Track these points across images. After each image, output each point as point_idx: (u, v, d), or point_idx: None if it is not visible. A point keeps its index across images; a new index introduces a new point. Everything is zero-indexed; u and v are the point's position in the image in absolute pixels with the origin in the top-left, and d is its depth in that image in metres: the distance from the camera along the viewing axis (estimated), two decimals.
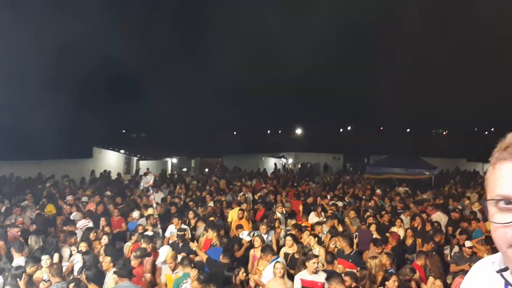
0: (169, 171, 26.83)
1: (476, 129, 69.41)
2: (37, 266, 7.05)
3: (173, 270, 7.67)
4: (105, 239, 8.70)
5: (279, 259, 7.80)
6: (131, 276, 6.49)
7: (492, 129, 66.39)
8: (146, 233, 9.30)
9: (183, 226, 10.20)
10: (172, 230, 9.87)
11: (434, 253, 8.47)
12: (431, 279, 6.70)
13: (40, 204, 12.44)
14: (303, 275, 7.31)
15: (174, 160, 28.11)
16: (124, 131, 49.05)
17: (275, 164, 34.80)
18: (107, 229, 9.88)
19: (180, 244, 8.96)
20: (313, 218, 11.95)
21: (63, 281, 6.55)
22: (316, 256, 7.33)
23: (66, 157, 23.96)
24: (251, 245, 9.40)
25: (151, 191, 11.54)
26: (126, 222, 11.71)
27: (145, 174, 23.80)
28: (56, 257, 7.39)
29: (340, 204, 14.26)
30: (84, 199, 13.66)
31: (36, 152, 23.14)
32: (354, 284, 6.41)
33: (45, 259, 7.29)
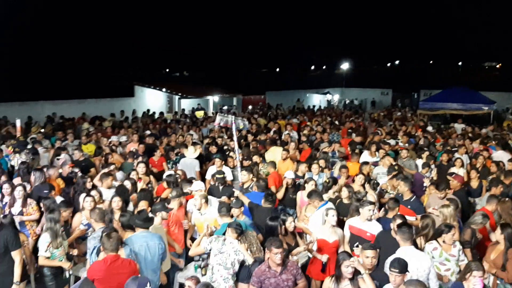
0: (211, 109, 26.26)
1: None
2: (70, 211, 6.64)
3: (199, 209, 7.16)
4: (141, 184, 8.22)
5: (328, 205, 7.08)
6: (149, 225, 5.94)
7: None
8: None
9: (224, 167, 9.59)
10: (212, 172, 9.22)
11: (507, 198, 7.45)
12: (499, 229, 5.83)
13: (77, 145, 12.09)
14: (353, 221, 6.63)
15: (216, 98, 27.42)
16: (167, 70, 48.76)
17: (298, 100, 33.48)
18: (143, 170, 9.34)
19: (220, 187, 8.36)
20: (366, 157, 11.02)
21: (106, 227, 6.09)
22: (372, 203, 6.54)
23: (108, 96, 23.82)
24: (297, 187, 8.72)
25: (234, 131, 10.54)
26: (167, 161, 11.29)
27: (196, 110, 23.41)
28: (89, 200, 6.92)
29: (392, 142, 13.24)
30: (123, 138, 13.26)
31: (79, 91, 23.14)
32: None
33: (89, 201, 6.90)
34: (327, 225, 6.31)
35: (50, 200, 6.86)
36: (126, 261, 5.19)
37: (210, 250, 5.70)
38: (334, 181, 8.50)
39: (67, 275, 6.05)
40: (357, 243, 6.15)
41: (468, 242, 6.17)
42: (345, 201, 7.70)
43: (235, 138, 10.13)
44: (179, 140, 13.40)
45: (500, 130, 17.01)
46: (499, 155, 11.51)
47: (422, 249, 5.84)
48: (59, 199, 7.39)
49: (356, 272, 4.92)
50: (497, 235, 5.83)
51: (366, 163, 9.97)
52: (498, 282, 5.66)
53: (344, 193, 7.80)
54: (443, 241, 5.81)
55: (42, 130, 14.71)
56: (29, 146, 11.10)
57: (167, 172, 9.26)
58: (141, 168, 9.07)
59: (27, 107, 18.93)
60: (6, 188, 7.49)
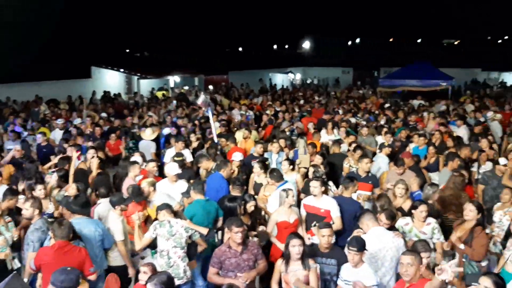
0: (171, 90, 25.83)
1: (489, 37, 66.69)
2: (15, 199, 6.28)
3: (146, 197, 6.75)
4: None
5: (287, 185, 6.96)
6: (86, 212, 5.70)
7: (506, 37, 64.01)
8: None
9: (185, 150, 9.35)
10: (171, 155, 8.98)
11: (460, 172, 7.50)
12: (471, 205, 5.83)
13: (28, 129, 11.61)
14: (307, 200, 6.55)
15: (177, 78, 26.94)
16: (127, 50, 47.29)
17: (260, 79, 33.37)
18: (100, 154, 9.01)
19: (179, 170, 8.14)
20: (323, 136, 11.04)
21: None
22: (319, 178, 6.50)
23: (64, 78, 22.96)
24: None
25: (210, 113, 10.17)
26: (124, 144, 10.98)
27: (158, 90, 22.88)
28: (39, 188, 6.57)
29: (353, 120, 13.30)
30: (78, 121, 12.81)
31: (34, 74, 22.15)
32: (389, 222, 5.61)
33: (40, 189, 6.54)
34: (286, 205, 6.19)
35: None
36: (76, 248, 4.99)
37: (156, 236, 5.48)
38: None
39: (14, 266, 5.68)
40: (315, 222, 6.10)
41: None
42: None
43: (211, 121, 9.86)
44: (136, 121, 13.08)
45: (458, 105, 17.36)
46: (461, 131, 11.73)
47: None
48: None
49: (305, 254, 4.86)
50: (470, 213, 5.70)
51: (338, 142, 9.98)
52: (463, 260, 5.62)
53: (310, 172, 7.75)
54: (414, 218, 5.84)
55: None
56: None
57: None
58: (91, 154, 8.49)
59: None
60: None
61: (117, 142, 10.92)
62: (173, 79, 26.71)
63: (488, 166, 8.81)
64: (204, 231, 5.60)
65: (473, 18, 51.87)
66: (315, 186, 6.31)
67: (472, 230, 5.60)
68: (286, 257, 4.91)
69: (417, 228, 5.81)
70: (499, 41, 65.82)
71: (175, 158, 8.33)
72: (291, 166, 7.92)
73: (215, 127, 10.74)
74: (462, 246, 5.57)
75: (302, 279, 4.78)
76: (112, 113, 15.29)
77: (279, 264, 5.01)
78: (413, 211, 5.84)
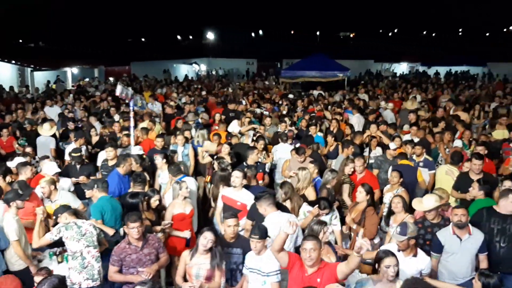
0: (70, 82, 24.55)
1: (381, 30, 71.01)
2: None
3: (48, 197, 6.47)
4: None
5: (184, 178, 6.95)
6: None
7: (396, 30, 68.47)
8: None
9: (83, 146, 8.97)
10: (71, 151, 8.54)
11: (353, 158, 8.00)
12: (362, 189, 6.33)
13: None
14: (225, 191, 6.62)
15: (75, 70, 25.64)
16: (20, 40, 43.90)
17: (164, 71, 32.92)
18: None
19: (78, 166, 7.82)
20: (235, 127, 11.15)
21: None
22: (240, 171, 6.53)
23: None
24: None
25: (131, 107, 9.41)
26: (17, 141, 10.27)
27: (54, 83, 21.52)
28: None
29: (258, 111, 13.59)
30: None
31: None
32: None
33: None
34: (180, 197, 6.23)
35: None
36: None
37: (60, 239, 5.23)
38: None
39: None
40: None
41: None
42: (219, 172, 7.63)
43: (131, 114, 9.45)
44: (30, 116, 12.31)
45: (353, 95, 18.37)
46: (356, 119, 12.44)
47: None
48: None
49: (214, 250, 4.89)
50: (360, 195, 6.22)
51: (231, 135, 10.11)
52: (357, 237, 6.02)
53: (216, 164, 7.79)
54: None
55: None
56: None
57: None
58: None
59: None
60: None
61: (10, 139, 10.19)
62: (71, 71, 25.37)
63: (378, 151, 9.56)
64: (111, 231, 5.47)
65: (365, 12, 54.94)
66: (237, 176, 6.33)
67: (364, 211, 6.08)
68: (195, 247, 4.93)
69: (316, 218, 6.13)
70: (390, 33, 70.10)
71: (73, 154, 7.98)
72: (164, 160, 7.73)
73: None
74: (354, 226, 6.07)
75: (204, 273, 4.83)
76: (3, 109, 14.24)
77: (186, 255, 5.01)
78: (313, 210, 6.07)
